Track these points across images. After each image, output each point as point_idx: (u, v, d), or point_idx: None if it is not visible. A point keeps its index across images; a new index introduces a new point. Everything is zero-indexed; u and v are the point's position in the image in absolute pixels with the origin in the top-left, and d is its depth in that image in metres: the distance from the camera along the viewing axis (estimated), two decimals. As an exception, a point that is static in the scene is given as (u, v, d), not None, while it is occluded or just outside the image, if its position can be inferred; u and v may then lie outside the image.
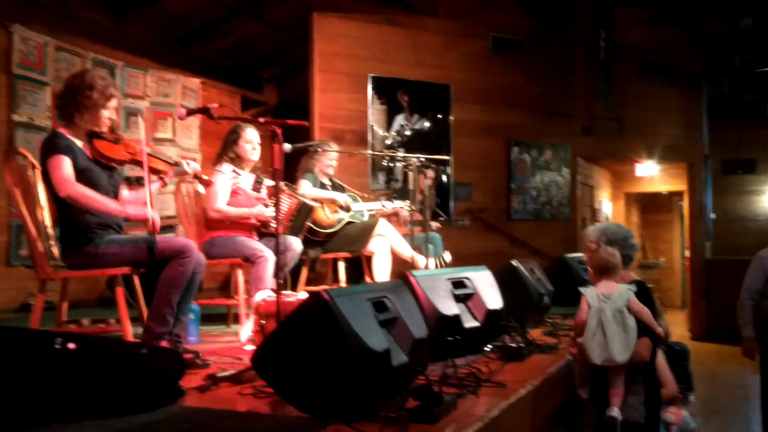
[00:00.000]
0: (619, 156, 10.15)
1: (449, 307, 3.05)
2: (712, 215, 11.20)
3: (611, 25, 9.30)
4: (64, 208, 3.08)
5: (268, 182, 4.34)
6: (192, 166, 3.48)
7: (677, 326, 11.40)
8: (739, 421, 5.60)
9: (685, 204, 11.59)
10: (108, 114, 3.18)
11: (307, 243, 4.83)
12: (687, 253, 11.41)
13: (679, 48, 10.16)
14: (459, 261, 5.37)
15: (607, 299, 2.88)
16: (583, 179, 9.94)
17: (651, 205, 14.33)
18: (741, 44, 10.54)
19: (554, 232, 8.67)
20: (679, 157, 10.41)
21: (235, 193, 4.18)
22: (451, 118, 7.90)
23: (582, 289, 2.95)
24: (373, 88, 7.37)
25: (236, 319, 4.41)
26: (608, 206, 12.22)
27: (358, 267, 5.27)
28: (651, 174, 11.51)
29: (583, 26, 9.02)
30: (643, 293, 3.05)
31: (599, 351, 2.83)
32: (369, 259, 5.06)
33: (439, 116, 7.83)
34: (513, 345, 3.11)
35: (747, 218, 12.15)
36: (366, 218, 5.23)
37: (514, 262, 4.13)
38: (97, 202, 3.05)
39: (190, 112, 3.12)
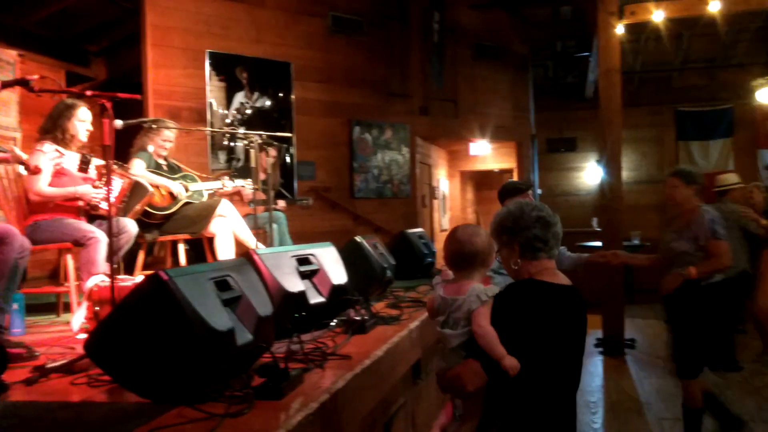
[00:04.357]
0: (454, 135, 10.58)
1: (294, 284, 3.05)
2: (539, 191, 12.03)
3: (445, 9, 9.65)
4: None
5: (97, 161, 4.09)
6: (15, 153, 3.21)
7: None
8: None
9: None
10: None
11: (143, 225, 4.61)
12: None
13: (508, 33, 10.74)
14: (304, 239, 5.36)
15: (447, 305, 2.01)
16: (422, 158, 10.27)
17: (484, 183, 15.07)
18: (562, 30, 11.33)
19: (395, 209, 8.92)
20: (509, 136, 11.03)
21: (59, 174, 3.91)
22: (293, 96, 7.83)
23: (435, 281, 2.18)
24: (211, 65, 7.12)
25: (67, 308, 4.14)
26: (445, 184, 12.72)
27: (200, 249, 5.11)
28: (483, 153, 12.08)
29: (419, 8, 9.27)
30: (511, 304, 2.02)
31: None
32: (210, 240, 4.92)
33: (281, 94, 7.73)
34: (357, 318, 3.16)
35: (570, 193, 13.17)
36: (205, 198, 5.07)
37: (358, 238, 4.21)
38: None
39: (6, 85, 2.87)
